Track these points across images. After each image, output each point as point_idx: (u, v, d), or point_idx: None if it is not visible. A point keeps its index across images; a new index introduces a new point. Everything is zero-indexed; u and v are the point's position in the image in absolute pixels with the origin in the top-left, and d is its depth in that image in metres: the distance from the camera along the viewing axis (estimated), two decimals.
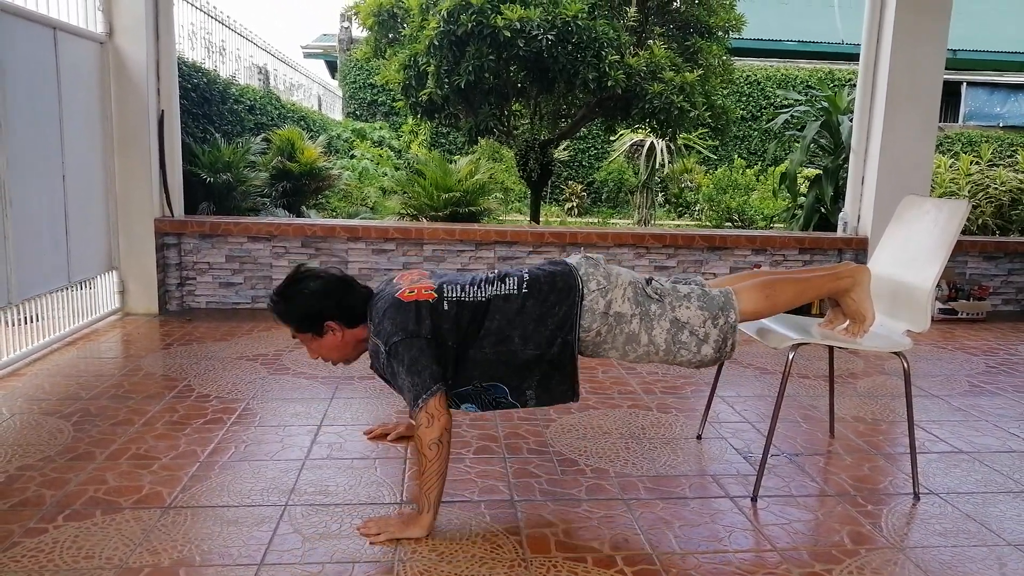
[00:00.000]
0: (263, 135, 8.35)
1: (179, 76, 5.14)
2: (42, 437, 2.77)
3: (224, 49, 9.14)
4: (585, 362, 3.90)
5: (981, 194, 7.50)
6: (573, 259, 2.37)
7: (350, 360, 2.43)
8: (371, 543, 2.08)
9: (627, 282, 2.29)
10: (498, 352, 2.21)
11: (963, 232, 2.39)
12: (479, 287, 2.26)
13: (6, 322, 3.70)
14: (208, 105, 7.33)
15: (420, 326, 2.15)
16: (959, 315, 5.33)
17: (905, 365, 2.43)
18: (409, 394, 2.11)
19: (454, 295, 2.23)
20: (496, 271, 2.35)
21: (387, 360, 2.17)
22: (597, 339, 2.27)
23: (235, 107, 8.10)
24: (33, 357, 3.80)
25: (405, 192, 9.11)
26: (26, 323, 3.87)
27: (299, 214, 8.22)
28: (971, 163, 7.93)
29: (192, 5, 8.05)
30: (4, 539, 2.06)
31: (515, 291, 2.24)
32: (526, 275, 2.29)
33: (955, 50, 14.59)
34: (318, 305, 2.28)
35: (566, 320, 2.22)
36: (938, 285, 2.53)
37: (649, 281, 2.33)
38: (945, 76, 5.27)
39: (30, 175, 3.78)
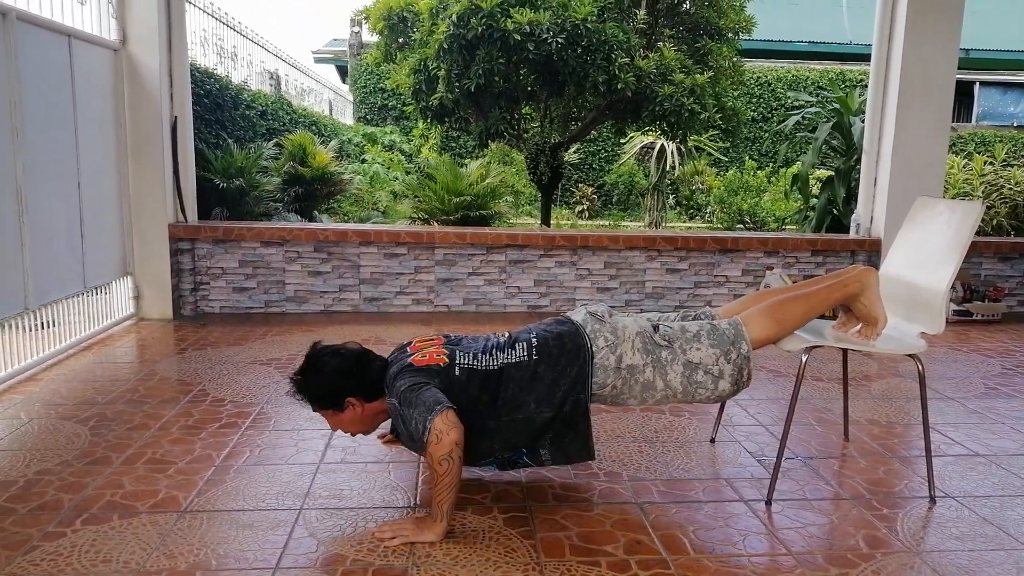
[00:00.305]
0: (275, 140, 8.39)
1: (192, 82, 5.18)
2: (59, 441, 2.80)
3: (236, 55, 9.19)
4: None
5: (995, 195, 7.45)
6: (578, 316, 2.41)
7: (369, 432, 2.47)
8: (385, 547, 2.09)
9: (634, 333, 2.32)
10: (515, 420, 2.25)
11: (978, 233, 2.38)
12: (491, 355, 2.30)
13: (23, 328, 3.74)
14: (220, 111, 7.38)
15: (430, 381, 2.20)
16: (974, 317, 5.29)
17: (920, 367, 2.42)
18: (417, 427, 2.08)
19: (466, 363, 2.28)
20: (506, 335, 2.39)
21: (400, 412, 2.18)
22: (614, 392, 2.31)
23: (247, 112, 8.14)
24: (50, 362, 3.84)
25: (416, 196, 9.13)
26: (43, 328, 3.91)
27: (311, 219, 8.25)
28: (985, 163, 7.87)
29: (204, 11, 8.11)
30: (23, 543, 2.08)
31: (526, 357, 2.29)
32: (534, 340, 2.33)
33: (967, 49, 14.49)
34: (338, 384, 2.32)
35: (578, 380, 2.26)
36: (953, 287, 2.52)
37: (656, 328, 2.35)
38: (958, 76, 5.24)
39: (46, 182, 3.82)
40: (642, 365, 2.28)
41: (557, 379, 2.25)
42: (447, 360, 2.27)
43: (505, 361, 2.29)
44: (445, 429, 2.04)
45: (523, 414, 2.25)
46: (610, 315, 2.40)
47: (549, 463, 2.36)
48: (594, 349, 2.28)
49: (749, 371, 2.33)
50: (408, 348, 2.39)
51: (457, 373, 2.25)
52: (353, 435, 2.48)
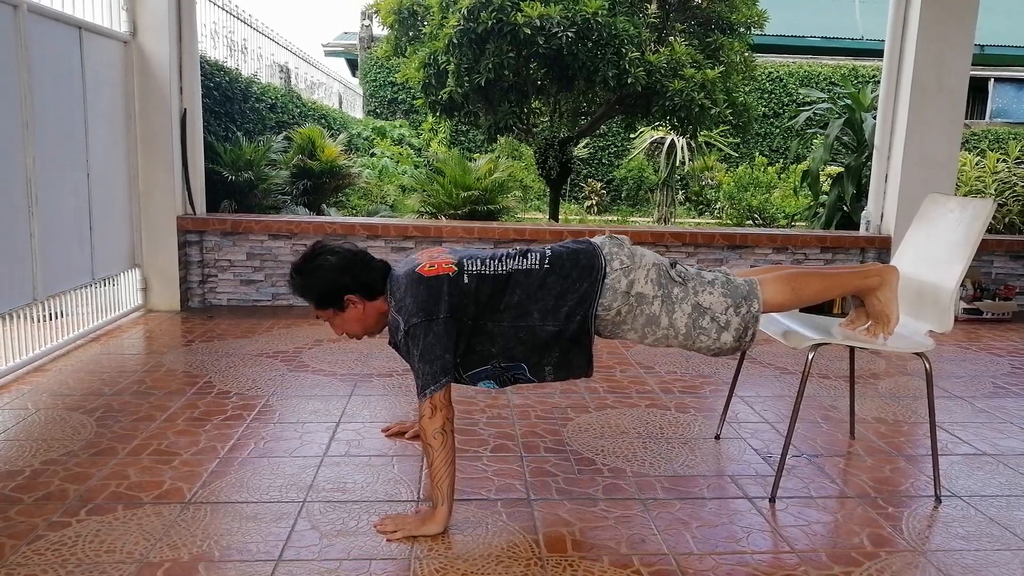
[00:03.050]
0: (284, 133, 8.41)
1: (201, 75, 5.19)
2: (66, 432, 2.81)
3: (246, 48, 9.21)
4: (603, 361, 3.90)
5: (1008, 192, 7.38)
6: (598, 239, 2.36)
7: (373, 333, 2.42)
8: (388, 540, 2.09)
9: (651, 263, 2.27)
10: (516, 327, 2.21)
11: (989, 231, 2.35)
12: (500, 261, 2.26)
13: (31, 318, 3.76)
14: (230, 104, 7.39)
15: (439, 304, 2.15)
16: (984, 315, 5.25)
17: (927, 366, 2.40)
18: (418, 380, 2.13)
19: (474, 268, 2.22)
20: (518, 247, 2.34)
21: (404, 338, 2.19)
22: (617, 319, 2.25)
23: (256, 105, 8.16)
24: (57, 353, 3.86)
25: (424, 190, 9.14)
26: (51, 319, 3.93)
27: (319, 212, 8.27)
28: (998, 160, 7.80)
29: (214, 4, 8.12)
30: (28, 532, 2.09)
31: (536, 266, 2.24)
32: (548, 251, 2.29)
33: (982, 45, 14.34)
34: (337, 279, 2.29)
35: (587, 297, 2.21)
36: (963, 285, 2.50)
37: (674, 264, 2.32)
38: (972, 72, 5.18)
39: (56, 173, 3.84)
40: (651, 296, 2.24)
41: (565, 292, 2.20)
42: (455, 269, 2.21)
43: (515, 267, 2.24)
44: (441, 405, 2.09)
45: (526, 322, 2.20)
46: (631, 243, 2.37)
47: (551, 379, 2.32)
48: (607, 269, 2.22)
49: (754, 331, 2.28)
50: (415, 257, 2.34)
51: (466, 280, 2.19)
52: (359, 337, 2.41)
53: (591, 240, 2.35)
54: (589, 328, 2.23)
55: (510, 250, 2.33)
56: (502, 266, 2.24)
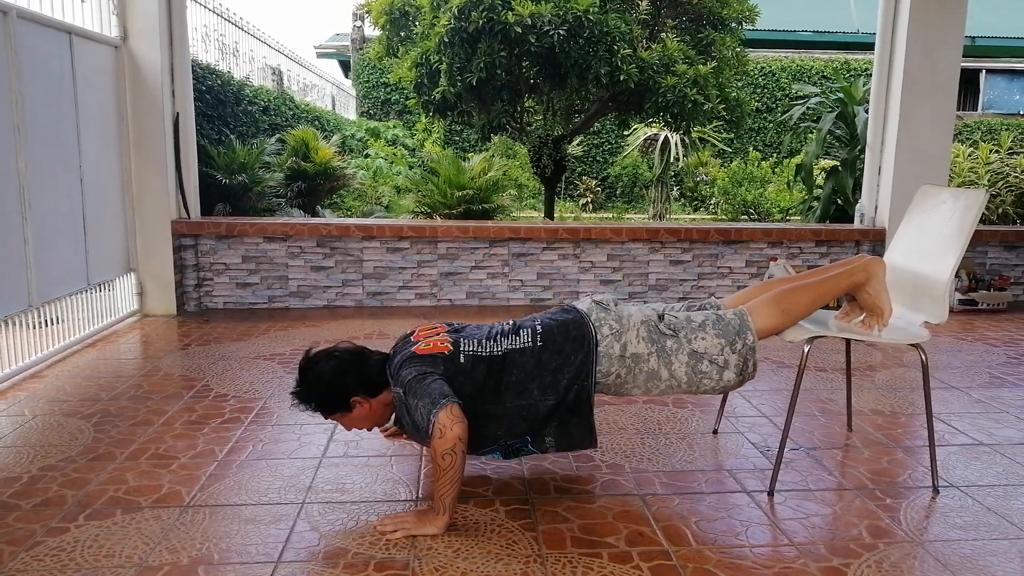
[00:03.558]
0: (277, 136, 8.40)
1: (193, 78, 5.18)
2: (63, 438, 2.81)
3: (238, 50, 9.19)
4: None
5: (1001, 183, 7.40)
6: (583, 304, 2.40)
7: (383, 424, 2.46)
8: (387, 540, 2.09)
9: (639, 322, 2.31)
10: (518, 407, 2.24)
11: (983, 221, 2.36)
12: (495, 341, 2.29)
13: (27, 324, 3.75)
14: (223, 107, 7.38)
15: (435, 370, 2.19)
16: (979, 306, 5.27)
17: (923, 357, 2.41)
18: (423, 420, 2.08)
19: (470, 350, 2.27)
20: (510, 323, 2.38)
21: (404, 402, 2.17)
22: (617, 381, 2.29)
23: (249, 108, 8.14)
24: (54, 359, 3.85)
25: (419, 190, 9.12)
26: (46, 325, 3.92)
27: (314, 214, 8.26)
28: (991, 152, 7.82)
29: (205, 7, 8.10)
30: (27, 538, 2.09)
31: (529, 344, 2.28)
32: (539, 327, 2.32)
33: (973, 37, 14.41)
34: (338, 385, 2.30)
35: (582, 368, 2.25)
36: (958, 275, 2.50)
37: (662, 317, 2.34)
38: (963, 64, 5.19)
39: (48, 179, 3.83)
40: (647, 354, 2.27)
41: (561, 366, 2.25)
42: (451, 348, 2.26)
43: (509, 347, 2.28)
44: (449, 424, 2.03)
45: (526, 400, 2.24)
46: (615, 304, 2.39)
47: (553, 450, 2.35)
48: (599, 337, 2.26)
49: (755, 361, 2.32)
50: (411, 337, 2.38)
51: (462, 360, 2.24)
52: (369, 429, 2.46)
53: (577, 308, 2.39)
54: (587, 397, 2.27)
55: (504, 326, 2.36)
56: (497, 346, 2.28)
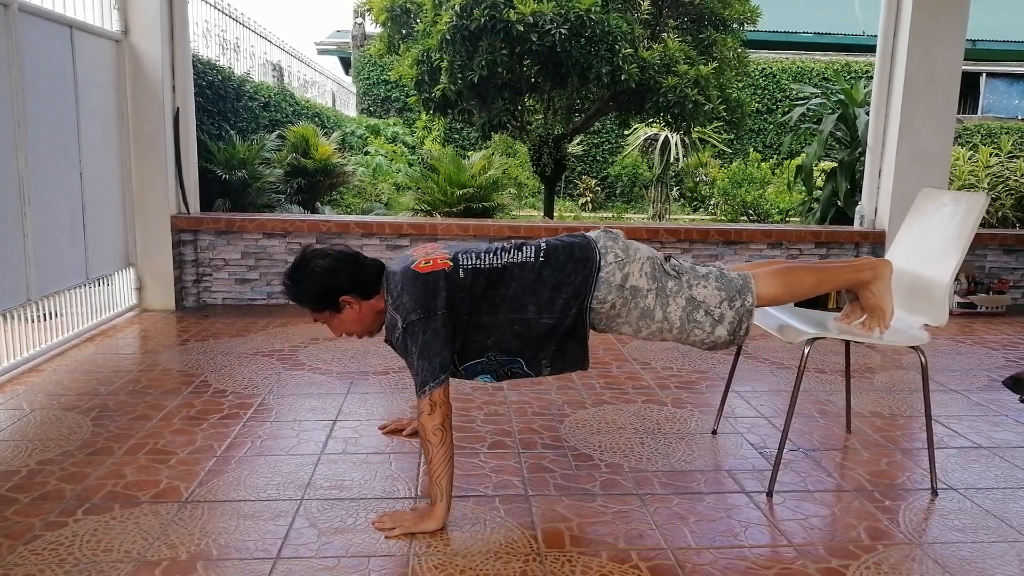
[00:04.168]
0: (278, 132, 8.38)
1: (194, 73, 5.17)
2: (62, 432, 2.80)
3: (238, 46, 9.18)
4: (599, 357, 3.90)
5: (1001, 186, 7.41)
6: (593, 233, 2.37)
7: (373, 332, 2.43)
8: (386, 537, 2.09)
9: (645, 257, 2.28)
10: (512, 320, 2.22)
11: (983, 225, 2.36)
12: (495, 254, 2.27)
13: (26, 318, 3.74)
14: (223, 102, 7.37)
15: (436, 300, 2.15)
16: (978, 309, 5.27)
17: (923, 359, 2.41)
18: (417, 377, 2.13)
19: (470, 263, 2.23)
20: (513, 241, 2.35)
21: (402, 336, 2.18)
22: (611, 312, 2.26)
23: (250, 104, 8.13)
24: (52, 353, 3.84)
25: (419, 188, 9.12)
26: (45, 319, 3.91)
27: (314, 210, 8.25)
28: (991, 155, 7.83)
29: (206, 2, 8.09)
30: (25, 532, 2.08)
31: (531, 259, 2.25)
32: (543, 244, 2.30)
33: (974, 40, 14.41)
34: (331, 281, 2.29)
35: (581, 289, 2.22)
36: (957, 279, 2.50)
37: (668, 258, 2.33)
38: (964, 67, 5.20)
39: (48, 173, 3.82)
40: (646, 290, 2.25)
41: (560, 284, 2.21)
42: (451, 264, 2.22)
43: (510, 260, 2.25)
44: (440, 401, 2.09)
45: (521, 315, 2.21)
46: (625, 237, 2.38)
47: (547, 372, 2.32)
48: (602, 263, 2.23)
49: (748, 325, 2.30)
50: (410, 254, 2.34)
51: (461, 275, 2.20)
52: (359, 336, 2.42)
53: (586, 234, 2.36)
54: (584, 321, 2.24)
55: (506, 244, 2.33)
56: (498, 259, 2.25)
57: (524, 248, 2.29)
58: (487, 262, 2.24)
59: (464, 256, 2.25)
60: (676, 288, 2.27)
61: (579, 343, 2.28)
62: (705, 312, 2.26)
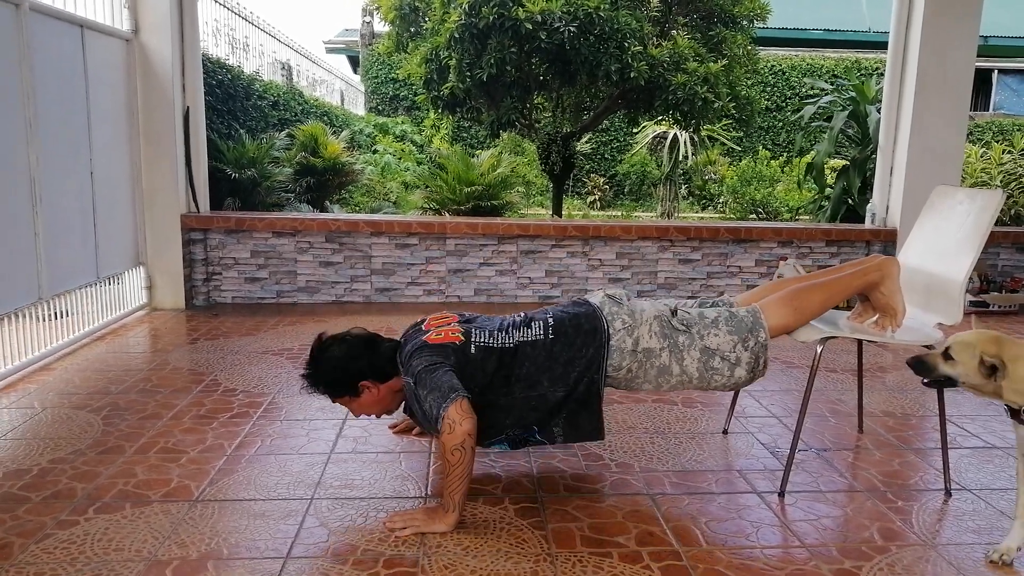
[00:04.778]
0: (287, 131, 8.39)
1: (204, 72, 5.18)
2: (73, 431, 2.81)
3: (248, 45, 9.19)
4: None
5: (1014, 184, 7.35)
6: (595, 298, 2.39)
7: (392, 411, 2.47)
8: (396, 537, 2.09)
9: (652, 317, 2.30)
10: (528, 398, 2.24)
11: (996, 223, 2.34)
12: (507, 332, 2.29)
13: (37, 317, 3.75)
14: (232, 101, 7.38)
15: (446, 360, 2.18)
16: (991, 307, 5.23)
17: None
18: (432, 411, 2.08)
19: (481, 340, 2.26)
20: (522, 315, 2.37)
21: (414, 392, 2.18)
22: (628, 375, 2.29)
23: (259, 103, 8.14)
24: (63, 352, 3.86)
25: (427, 186, 9.11)
26: (56, 318, 3.93)
27: (323, 209, 8.26)
28: (1003, 152, 7.77)
29: (216, 1, 8.10)
30: (37, 531, 2.09)
31: (541, 336, 2.27)
32: (551, 319, 2.31)
33: (986, 36, 14.28)
34: (348, 369, 2.31)
35: (593, 361, 2.24)
36: (969, 277, 2.48)
37: (675, 312, 2.33)
38: (976, 64, 5.15)
39: (59, 172, 3.83)
40: (659, 349, 2.26)
41: (572, 359, 2.24)
42: (462, 338, 2.25)
43: (521, 339, 2.27)
44: (459, 419, 2.04)
45: (536, 392, 2.23)
46: (628, 299, 2.38)
47: (560, 440, 2.34)
48: (611, 331, 2.26)
49: (766, 359, 2.31)
50: (422, 326, 2.37)
51: (473, 351, 2.23)
52: (378, 416, 2.47)
53: (589, 301, 2.38)
54: (598, 391, 2.27)
55: (515, 319, 2.36)
56: (509, 338, 2.27)
57: (533, 324, 2.31)
58: (499, 341, 2.27)
59: (476, 333, 2.28)
60: (688, 342, 2.28)
61: (592, 413, 2.29)
62: (721, 358, 2.28)
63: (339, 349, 2.34)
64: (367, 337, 2.40)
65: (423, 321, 2.41)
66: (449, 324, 2.33)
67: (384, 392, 2.35)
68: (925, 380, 2.07)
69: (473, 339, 2.26)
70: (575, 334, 2.26)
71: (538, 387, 2.23)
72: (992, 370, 1.90)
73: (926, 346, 2.28)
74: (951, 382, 2.00)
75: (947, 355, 1.98)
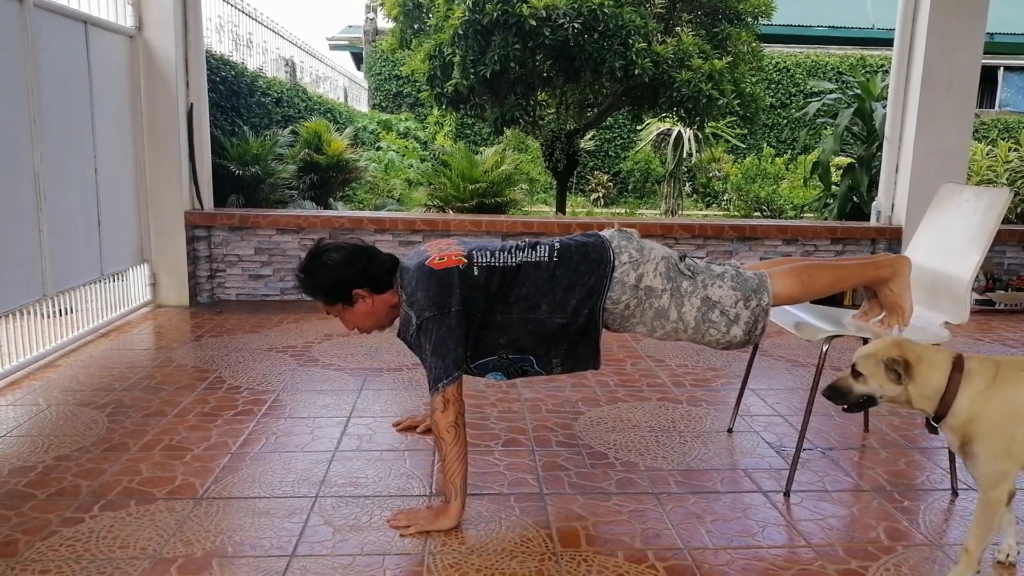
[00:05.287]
0: (290, 127, 8.40)
1: (207, 69, 5.17)
2: (77, 428, 2.81)
3: (251, 42, 9.19)
4: (613, 355, 3.88)
5: (1020, 182, 7.32)
6: (607, 232, 2.35)
7: (384, 326, 2.42)
8: (401, 535, 2.08)
9: (660, 256, 2.27)
10: (525, 319, 2.21)
11: (1001, 220, 2.33)
12: (510, 252, 2.25)
13: (41, 314, 3.76)
14: (236, 98, 7.38)
15: (451, 297, 2.14)
16: (996, 306, 5.21)
17: None
18: (431, 374, 2.12)
19: (484, 261, 2.22)
20: (526, 239, 2.34)
21: (416, 333, 2.18)
22: (626, 312, 2.25)
23: (263, 100, 8.15)
24: (68, 349, 3.86)
25: (431, 183, 9.12)
26: (61, 315, 3.93)
27: (326, 206, 8.26)
28: (1009, 150, 7.74)
29: None
30: (42, 528, 2.09)
31: (545, 258, 2.24)
32: (557, 244, 2.28)
33: (992, 33, 14.22)
34: (343, 274, 2.28)
35: (595, 290, 2.20)
36: (975, 275, 2.47)
37: (683, 258, 2.31)
38: (982, 61, 5.13)
39: (63, 169, 3.83)
40: (660, 290, 2.23)
41: (573, 284, 2.20)
42: (465, 261, 2.21)
43: (524, 259, 2.24)
44: (453, 399, 2.08)
45: (534, 315, 2.20)
46: (640, 236, 2.36)
47: (558, 371, 2.32)
48: (616, 263, 2.22)
49: (764, 325, 2.27)
50: (424, 249, 2.33)
51: (475, 272, 2.19)
52: (369, 331, 2.42)
53: (600, 233, 2.35)
54: (597, 321, 2.23)
55: (519, 242, 2.32)
56: (512, 258, 2.24)
57: (538, 247, 2.27)
58: (501, 260, 2.23)
59: (479, 254, 2.24)
60: (691, 288, 2.25)
61: (591, 343, 2.27)
62: (720, 312, 2.24)
63: (337, 254, 2.30)
64: (365, 246, 2.37)
65: (424, 244, 2.39)
66: (451, 247, 2.29)
67: (379, 304, 2.32)
68: (844, 407, 1.97)
69: (475, 260, 2.21)
70: (580, 260, 2.22)
71: (537, 311, 2.20)
72: (898, 375, 1.82)
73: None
74: (871, 401, 1.90)
75: (855, 373, 1.90)
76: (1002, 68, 15.47)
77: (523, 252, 2.26)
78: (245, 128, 7.24)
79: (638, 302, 2.23)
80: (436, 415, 2.09)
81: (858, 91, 7.13)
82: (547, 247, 2.27)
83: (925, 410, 1.86)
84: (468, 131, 14.23)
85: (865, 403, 1.93)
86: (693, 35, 7.29)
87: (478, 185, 8.58)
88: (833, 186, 7.56)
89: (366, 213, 5.41)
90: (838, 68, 14.51)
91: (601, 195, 13.94)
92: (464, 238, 2.39)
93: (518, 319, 2.21)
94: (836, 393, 1.96)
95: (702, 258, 2.47)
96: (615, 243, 2.27)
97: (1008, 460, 1.77)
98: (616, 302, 2.22)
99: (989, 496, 1.79)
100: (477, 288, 2.18)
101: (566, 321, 2.21)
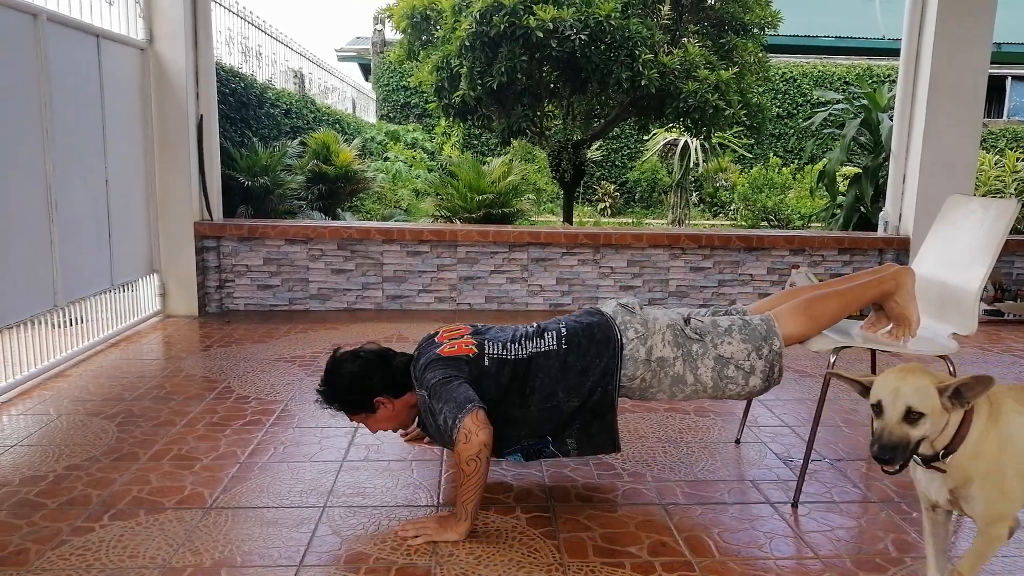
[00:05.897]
0: (299, 139, 8.45)
1: (217, 81, 5.22)
2: (87, 437, 2.83)
3: (260, 53, 9.26)
4: None
5: None
6: (608, 307, 2.39)
7: (407, 426, 2.48)
8: (408, 545, 2.09)
9: (665, 326, 2.30)
10: (543, 410, 2.24)
11: (1010, 231, 2.33)
12: (520, 344, 2.29)
13: (52, 324, 3.79)
14: (245, 109, 7.43)
15: (460, 373, 2.18)
16: (1005, 316, 5.19)
17: (951, 369, 2.37)
18: (447, 422, 2.08)
19: (495, 352, 2.26)
20: (534, 326, 2.37)
21: (429, 404, 2.18)
22: (643, 385, 2.28)
23: (272, 111, 8.20)
24: (78, 359, 3.89)
25: (438, 194, 9.14)
26: (71, 325, 3.96)
27: (335, 217, 8.30)
28: (1017, 160, 7.72)
29: (229, 10, 8.17)
30: (52, 537, 2.10)
31: (554, 346, 2.27)
32: (564, 330, 2.31)
33: (1000, 43, 14.21)
34: (362, 386, 2.32)
35: (607, 371, 2.24)
36: (983, 286, 2.47)
37: (687, 321, 2.33)
38: (989, 70, 5.13)
39: (75, 180, 3.87)
40: (672, 358, 2.26)
41: (586, 369, 2.23)
42: (476, 351, 2.25)
43: (534, 350, 2.27)
44: (475, 429, 2.03)
45: (551, 403, 2.23)
46: (640, 308, 2.38)
47: (575, 453, 2.34)
48: (624, 340, 2.25)
49: (780, 367, 2.31)
50: (435, 339, 2.37)
51: (486, 363, 2.23)
52: (394, 431, 2.49)
53: (602, 310, 2.38)
54: (612, 401, 2.26)
55: (528, 329, 2.36)
56: (522, 350, 2.27)
57: (546, 335, 2.30)
58: (512, 353, 2.27)
59: (489, 345, 2.28)
60: (702, 350, 2.27)
61: (606, 425, 2.28)
62: (735, 367, 2.27)
63: (353, 365, 2.34)
64: (380, 352, 2.40)
65: (436, 334, 2.41)
66: (462, 336, 2.33)
67: (399, 407, 2.36)
68: (896, 469, 1.62)
69: (487, 351, 2.26)
70: (588, 343, 2.26)
71: (553, 398, 2.23)
72: (957, 403, 1.60)
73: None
74: (919, 447, 1.62)
75: (909, 417, 1.60)
76: (1010, 77, 15.44)
77: (532, 342, 2.29)
78: (254, 139, 7.29)
79: (653, 374, 2.26)
80: (458, 447, 2.06)
81: (865, 102, 7.14)
82: (554, 334, 2.30)
83: (937, 447, 1.64)
84: (475, 142, 14.29)
85: (911, 453, 1.62)
86: (699, 46, 7.32)
87: (485, 195, 8.60)
88: (840, 196, 7.55)
89: (374, 224, 5.44)
90: (845, 78, 14.51)
91: (608, 205, 13.96)
92: (476, 325, 2.42)
93: (536, 411, 2.24)
94: (899, 451, 1.60)
95: (704, 311, 2.48)
96: (619, 319, 2.30)
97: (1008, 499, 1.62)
98: (632, 378, 2.26)
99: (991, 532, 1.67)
100: (488, 377, 2.22)
101: (580, 402, 2.24)
